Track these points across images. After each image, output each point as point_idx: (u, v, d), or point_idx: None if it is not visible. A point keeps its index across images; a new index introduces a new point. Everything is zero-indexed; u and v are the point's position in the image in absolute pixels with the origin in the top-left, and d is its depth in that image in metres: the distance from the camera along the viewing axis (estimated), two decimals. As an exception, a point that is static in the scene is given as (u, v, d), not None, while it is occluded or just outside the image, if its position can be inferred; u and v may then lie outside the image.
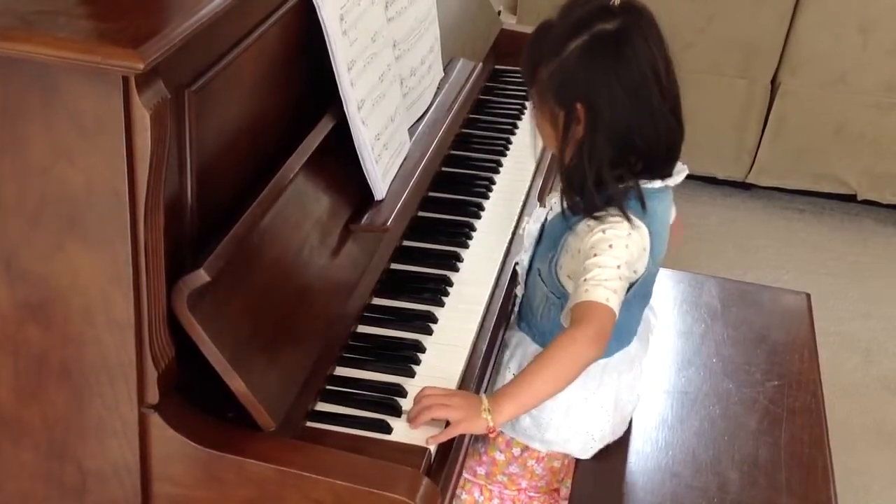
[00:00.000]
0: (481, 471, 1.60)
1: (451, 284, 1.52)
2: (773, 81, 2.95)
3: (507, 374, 1.51)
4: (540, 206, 1.64)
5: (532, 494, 1.61)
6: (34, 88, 0.95)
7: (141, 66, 0.89)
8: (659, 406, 1.64)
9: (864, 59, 2.83)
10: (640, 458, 1.54)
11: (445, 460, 1.23)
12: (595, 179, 1.29)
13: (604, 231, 1.29)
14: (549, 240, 1.43)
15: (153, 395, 1.09)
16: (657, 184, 1.35)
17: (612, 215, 1.30)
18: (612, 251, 1.28)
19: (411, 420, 1.25)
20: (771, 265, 2.81)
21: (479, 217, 1.69)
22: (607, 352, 1.38)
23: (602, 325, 1.25)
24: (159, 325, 1.07)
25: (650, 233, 1.32)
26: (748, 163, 3.03)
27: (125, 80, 0.92)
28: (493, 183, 1.78)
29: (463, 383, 1.36)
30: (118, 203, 0.99)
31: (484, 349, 1.43)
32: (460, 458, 1.26)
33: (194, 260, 1.08)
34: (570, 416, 1.47)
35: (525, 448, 1.54)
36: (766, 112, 2.97)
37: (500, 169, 1.83)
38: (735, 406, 1.64)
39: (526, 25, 2.56)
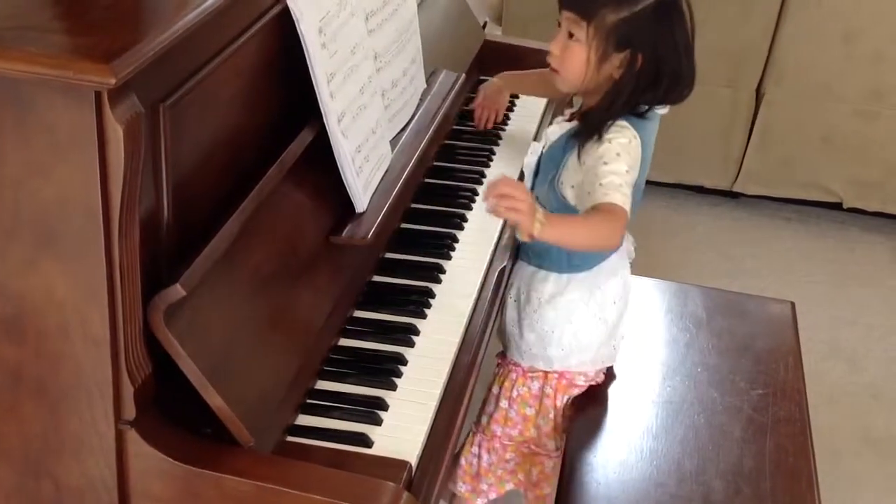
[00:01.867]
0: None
1: (433, 296, 1.51)
2: (758, 90, 2.96)
3: (509, 302, 1.65)
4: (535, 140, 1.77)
5: (506, 443, 1.68)
6: (6, 103, 0.95)
7: (113, 80, 0.89)
8: (643, 415, 1.64)
9: (848, 68, 2.85)
10: (625, 468, 1.54)
11: (426, 473, 1.23)
12: (620, 112, 1.45)
13: (609, 141, 1.43)
14: (548, 164, 1.55)
15: (130, 411, 1.08)
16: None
17: (612, 126, 1.44)
18: (621, 158, 1.42)
19: (486, 201, 1.37)
20: (757, 273, 2.81)
21: (461, 228, 1.68)
22: (592, 261, 1.57)
23: (622, 223, 1.40)
24: (135, 340, 1.06)
25: (642, 146, 1.46)
26: (734, 172, 3.04)
27: (98, 94, 0.92)
28: (477, 194, 1.78)
29: (445, 395, 1.35)
30: (92, 218, 0.98)
31: (467, 361, 1.42)
32: (441, 472, 1.25)
33: (171, 275, 1.08)
34: (572, 326, 1.59)
35: (501, 385, 1.66)
36: (751, 121, 2.98)
37: (484, 180, 1.82)
38: (720, 415, 1.64)
39: (511, 36, 2.57)
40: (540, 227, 1.36)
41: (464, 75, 1.88)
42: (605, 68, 1.45)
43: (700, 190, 3.09)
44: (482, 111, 1.94)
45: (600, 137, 1.44)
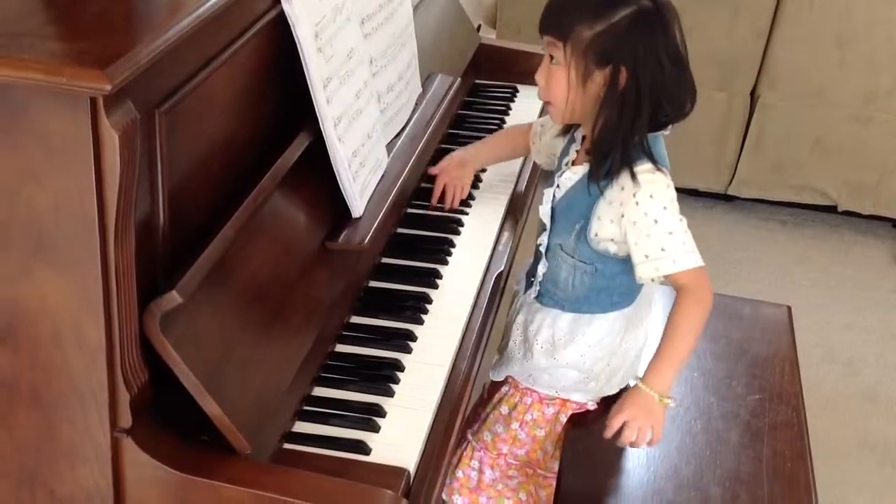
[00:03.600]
0: (475, 425, 1.65)
1: (430, 302, 1.51)
2: (753, 94, 2.96)
3: (536, 347, 1.55)
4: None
5: (511, 461, 1.64)
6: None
7: (108, 87, 0.88)
8: (641, 422, 1.63)
9: (841, 72, 2.85)
10: (622, 475, 1.54)
11: (424, 481, 1.22)
12: (626, 138, 1.38)
13: (651, 196, 1.38)
14: (571, 212, 1.48)
15: (126, 419, 1.07)
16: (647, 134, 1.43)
17: (641, 172, 1.38)
18: (668, 212, 1.39)
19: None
20: (752, 277, 2.82)
21: (458, 233, 1.68)
22: (633, 294, 1.54)
23: (706, 283, 1.42)
24: (131, 348, 1.05)
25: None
26: (729, 175, 3.04)
27: (93, 101, 0.91)
28: (473, 198, 1.78)
29: (442, 401, 1.34)
30: (87, 225, 0.97)
31: (464, 367, 1.42)
32: (439, 480, 1.24)
33: (167, 281, 1.07)
34: (611, 359, 1.54)
35: (514, 408, 1.60)
36: (745, 125, 2.98)
37: (480, 184, 1.82)
38: (717, 421, 1.64)
39: (505, 40, 2.57)
40: (666, 400, 1.42)
41: (459, 79, 1.88)
42: (591, 88, 1.39)
43: (694, 193, 3.09)
44: (444, 188, 1.73)
45: (634, 176, 1.37)
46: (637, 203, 1.38)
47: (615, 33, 1.35)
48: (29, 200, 0.97)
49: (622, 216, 1.40)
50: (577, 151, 1.52)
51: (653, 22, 1.36)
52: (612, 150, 1.39)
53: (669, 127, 1.45)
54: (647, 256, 1.39)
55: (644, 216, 1.38)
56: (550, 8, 1.43)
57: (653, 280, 1.43)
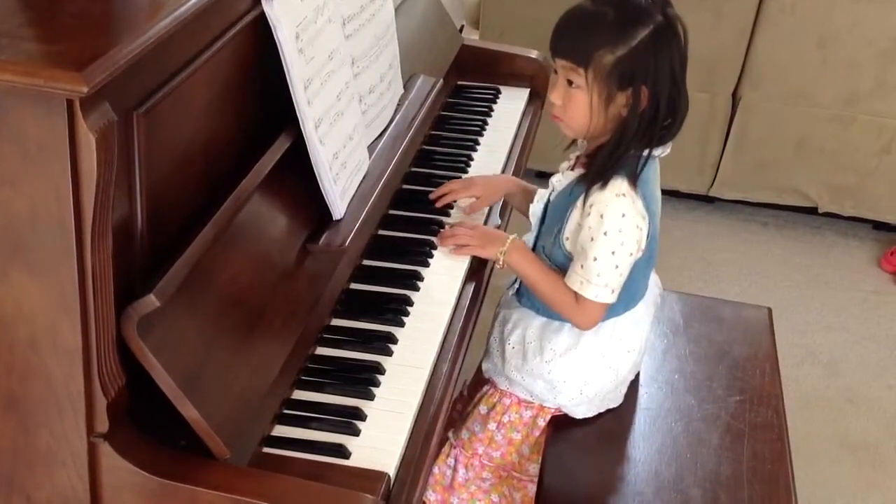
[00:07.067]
0: (454, 423, 1.66)
1: (411, 304, 1.50)
2: (735, 95, 2.97)
3: (507, 347, 1.58)
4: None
5: (485, 462, 1.64)
6: (-25, 112, 0.93)
7: (85, 88, 0.87)
8: (620, 423, 1.63)
9: (823, 74, 2.86)
10: (602, 476, 1.54)
11: (405, 485, 1.22)
12: (627, 152, 1.40)
13: (601, 215, 1.39)
14: (554, 215, 1.51)
15: (103, 424, 1.07)
16: (644, 152, 1.44)
17: (610, 189, 1.39)
18: (608, 238, 1.39)
19: (444, 245, 1.59)
20: (734, 278, 2.83)
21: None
22: (614, 312, 1.52)
23: (592, 317, 1.47)
24: (108, 352, 1.04)
25: (643, 196, 1.42)
26: (711, 176, 3.05)
27: (69, 102, 0.90)
28: (455, 201, 1.77)
29: (423, 405, 1.34)
30: (63, 228, 0.96)
31: (445, 370, 1.41)
32: (419, 484, 1.24)
33: (145, 285, 1.06)
34: (584, 376, 1.55)
35: (492, 408, 1.61)
36: (727, 126, 2.99)
37: (462, 185, 1.82)
38: (697, 422, 1.64)
39: (488, 41, 2.57)
40: (502, 258, 1.50)
41: (441, 80, 1.87)
42: (612, 110, 1.39)
43: (676, 194, 3.09)
44: (463, 193, 1.70)
45: (604, 185, 1.39)
46: (589, 214, 1.41)
47: (636, 56, 1.35)
48: (4, 204, 0.96)
49: (578, 224, 1.43)
50: (576, 157, 1.52)
51: (668, 38, 1.37)
52: (614, 163, 1.40)
53: (668, 147, 1.46)
54: (573, 263, 1.44)
55: (588, 229, 1.41)
56: (564, 31, 1.40)
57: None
